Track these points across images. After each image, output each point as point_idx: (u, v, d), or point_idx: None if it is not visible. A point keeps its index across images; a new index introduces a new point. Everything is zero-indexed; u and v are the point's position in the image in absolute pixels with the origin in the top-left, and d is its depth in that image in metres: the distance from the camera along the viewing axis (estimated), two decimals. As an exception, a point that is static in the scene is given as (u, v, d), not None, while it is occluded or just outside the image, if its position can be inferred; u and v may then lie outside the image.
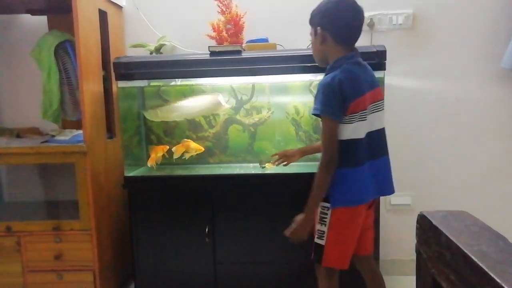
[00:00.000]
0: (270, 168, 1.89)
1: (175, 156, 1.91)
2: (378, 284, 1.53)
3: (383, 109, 1.43)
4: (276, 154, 1.76)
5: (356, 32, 1.38)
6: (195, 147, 1.93)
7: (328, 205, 1.36)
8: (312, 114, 1.36)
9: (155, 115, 1.94)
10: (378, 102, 1.41)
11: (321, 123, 1.35)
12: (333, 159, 1.31)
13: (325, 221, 1.36)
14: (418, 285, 0.63)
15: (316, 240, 1.40)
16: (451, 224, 0.56)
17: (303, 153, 1.71)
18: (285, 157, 1.73)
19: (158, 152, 1.93)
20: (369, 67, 1.44)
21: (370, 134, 1.37)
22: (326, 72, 1.38)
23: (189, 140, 1.95)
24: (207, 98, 1.96)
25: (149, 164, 1.92)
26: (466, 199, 2.09)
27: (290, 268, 1.81)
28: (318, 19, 1.37)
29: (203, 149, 1.95)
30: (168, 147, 1.95)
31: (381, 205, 1.78)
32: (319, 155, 1.42)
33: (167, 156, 1.95)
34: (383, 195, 1.48)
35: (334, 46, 1.36)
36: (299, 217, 1.38)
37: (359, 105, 1.32)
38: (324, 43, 1.37)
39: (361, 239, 1.44)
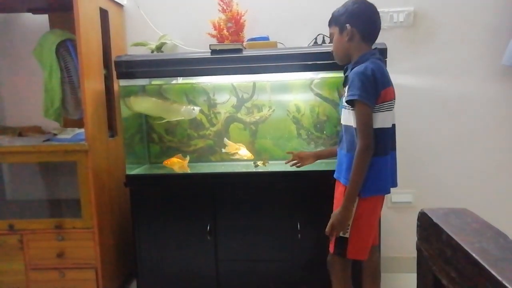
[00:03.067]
0: (262, 167, 1.89)
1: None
2: (374, 271, 1.57)
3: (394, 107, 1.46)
4: (290, 153, 1.73)
5: (379, 30, 1.45)
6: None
7: (363, 197, 1.36)
8: (348, 100, 1.36)
9: (128, 102, 1.94)
10: (394, 99, 1.45)
11: (350, 112, 1.37)
12: (371, 145, 1.32)
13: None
14: (419, 282, 0.63)
15: (340, 234, 1.39)
16: (452, 221, 0.56)
17: (317, 157, 1.70)
18: (299, 159, 1.70)
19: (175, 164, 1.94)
20: None
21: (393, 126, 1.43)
22: (352, 66, 1.41)
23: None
24: (182, 107, 1.96)
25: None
26: (467, 196, 2.10)
27: (291, 265, 1.82)
28: (346, 17, 1.41)
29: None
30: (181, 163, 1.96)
31: (382, 202, 1.78)
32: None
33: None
34: (393, 187, 1.48)
35: (360, 43, 1.42)
36: (337, 211, 1.37)
37: (388, 94, 1.38)
38: (352, 40, 1.41)
39: None
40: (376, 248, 1.57)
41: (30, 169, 2.25)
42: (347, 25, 1.40)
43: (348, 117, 1.40)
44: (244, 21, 2.01)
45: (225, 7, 1.99)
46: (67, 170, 2.16)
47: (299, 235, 1.76)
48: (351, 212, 1.36)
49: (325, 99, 2.01)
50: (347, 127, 1.41)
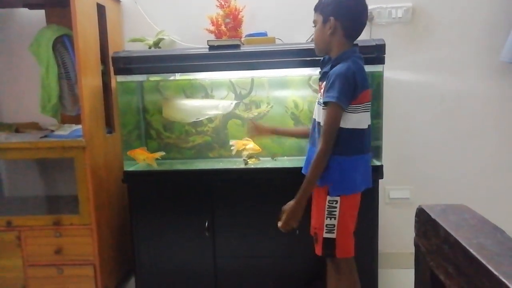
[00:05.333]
0: (254, 164, 1.89)
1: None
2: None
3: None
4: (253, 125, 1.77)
5: (363, 28, 1.42)
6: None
7: (337, 198, 1.38)
8: (325, 101, 1.35)
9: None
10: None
11: (323, 110, 1.36)
12: (331, 147, 1.34)
13: (335, 214, 1.39)
14: (416, 278, 0.63)
15: (326, 235, 1.40)
16: (449, 217, 0.56)
17: (275, 132, 1.76)
18: (256, 130, 1.75)
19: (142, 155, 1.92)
20: None
21: (369, 127, 1.43)
22: (332, 63, 1.38)
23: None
24: (219, 103, 1.97)
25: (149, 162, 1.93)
26: (464, 192, 2.10)
27: (289, 261, 1.82)
28: (333, 9, 1.36)
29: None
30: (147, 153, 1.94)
31: (380, 198, 1.78)
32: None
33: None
34: (367, 187, 1.50)
35: (342, 39, 1.39)
36: (289, 206, 1.39)
37: (366, 96, 1.37)
38: (334, 34, 1.38)
39: None
40: None
41: (27, 165, 2.25)
42: (331, 17, 1.36)
43: (322, 116, 1.38)
44: (242, 16, 2.01)
45: (223, 3, 1.99)
46: (64, 167, 2.15)
47: (297, 231, 1.76)
48: (303, 207, 1.38)
49: (323, 95, 2.01)
50: (321, 126, 1.40)
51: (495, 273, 0.42)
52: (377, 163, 1.76)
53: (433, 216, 0.57)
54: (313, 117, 1.49)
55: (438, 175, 2.12)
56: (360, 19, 1.39)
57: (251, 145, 1.90)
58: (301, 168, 1.82)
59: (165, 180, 1.87)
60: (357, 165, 1.40)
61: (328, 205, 1.39)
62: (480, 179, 2.11)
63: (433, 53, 2.04)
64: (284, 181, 1.81)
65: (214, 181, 1.82)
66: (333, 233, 1.40)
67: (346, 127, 1.35)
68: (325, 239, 1.41)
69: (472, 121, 2.08)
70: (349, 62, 1.34)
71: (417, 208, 0.61)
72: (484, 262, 0.44)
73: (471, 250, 0.47)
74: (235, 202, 1.82)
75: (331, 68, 1.37)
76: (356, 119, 1.36)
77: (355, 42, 1.45)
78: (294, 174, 1.79)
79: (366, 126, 1.40)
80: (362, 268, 1.64)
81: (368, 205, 1.71)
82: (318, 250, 1.44)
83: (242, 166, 1.89)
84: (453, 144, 2.10)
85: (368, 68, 1.82)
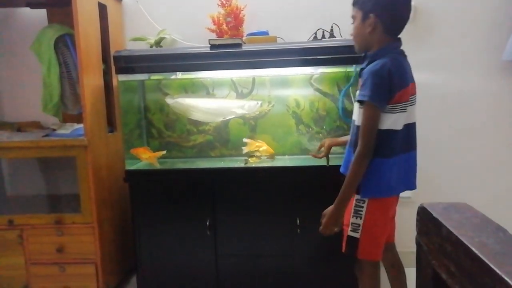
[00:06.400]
0: (255, 163, 1.90)
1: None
2: (398, 268, 1.58)
3: (415, 103, 1.39)
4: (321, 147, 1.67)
5: (406, 23, 1.33)
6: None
7: (364, 199, 1.34)
8: (358, 100, 1.30)
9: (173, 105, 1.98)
10: (414, 95, 1.37)
11: (360, 110, 1.31)
12: (371, 150, 1.28)
13: (361, 214, 1.35)
14: (418, 276, 0.63)
15: (350, 233, 1.38)
16: (451, 216, 0.56)
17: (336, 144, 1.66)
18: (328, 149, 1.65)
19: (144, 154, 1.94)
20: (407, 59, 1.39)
21: (407, 127, 1.34)
22: (369, 59, 1.33)
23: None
24: (244, 103, 1.96)
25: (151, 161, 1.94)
26: (466, 191, 2.10)
27: (291, 260, 1.82)
28: (373, 5, 1.28)
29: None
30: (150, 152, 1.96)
31: (381, 197, 1.78)
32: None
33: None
34: (408, 189, 1.45)
35: (382, 36, 1.31)
36: (329, 210, 1.36)
37: (403, 95, 1.29)
38: (374, 32, 1.31)
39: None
40: (393, 245, 1.59)
41: (29, 164, 2.25)
42: (371, 14, 1.28)
43: (359, 116, 1.33)
44: (244, 15, 2.00)
45: (224, 2, 1.98)
46: (66, 166, 2.16)
47: (299, 230, 1.76)
48: (342, 212, 1.35)
49: (324, 94, 2.01)
50: (356, 126, 1.35)
51: (498, 272, 0.42)
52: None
53: (435, 214, 0.57)
54: (353, 117, 1.42)
55: (440, 174, 2.12)
56: (402, 14, 1.31)
57: (264, 147, 1.91)
58: (301, 167, 1.83)
59: (166, 179, 1.87)
60: (392, 167, 1.32)
61: (355, 204, 1.35)
62: (482, 178, 2.10)
63: (435, 52, 2.03)
64: (286, 180, 1.81)
65: (215, 180, 1.83)
66: (358, 232, 1.36)
67: (382, 128, 1.28)
68: (349, 237, 1.38)
69: (474, 120, 2.07)
70: (386, 59, 1.26)
71: (419, 207, 0.61)
72: (486, 260, 0.44)
73: (473, 249, 0.47)
74: (236, 201, 1.82)
75: (368, 64, 1.31)
76: (393, 120, 1.29)
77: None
78: (295, 173, 1.80)
79: (400, 127, 1.32)
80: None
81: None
82: (343, 247, 1.42)
83: (244, 165, 1.89)
84: (455, 143, 2.09)
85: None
